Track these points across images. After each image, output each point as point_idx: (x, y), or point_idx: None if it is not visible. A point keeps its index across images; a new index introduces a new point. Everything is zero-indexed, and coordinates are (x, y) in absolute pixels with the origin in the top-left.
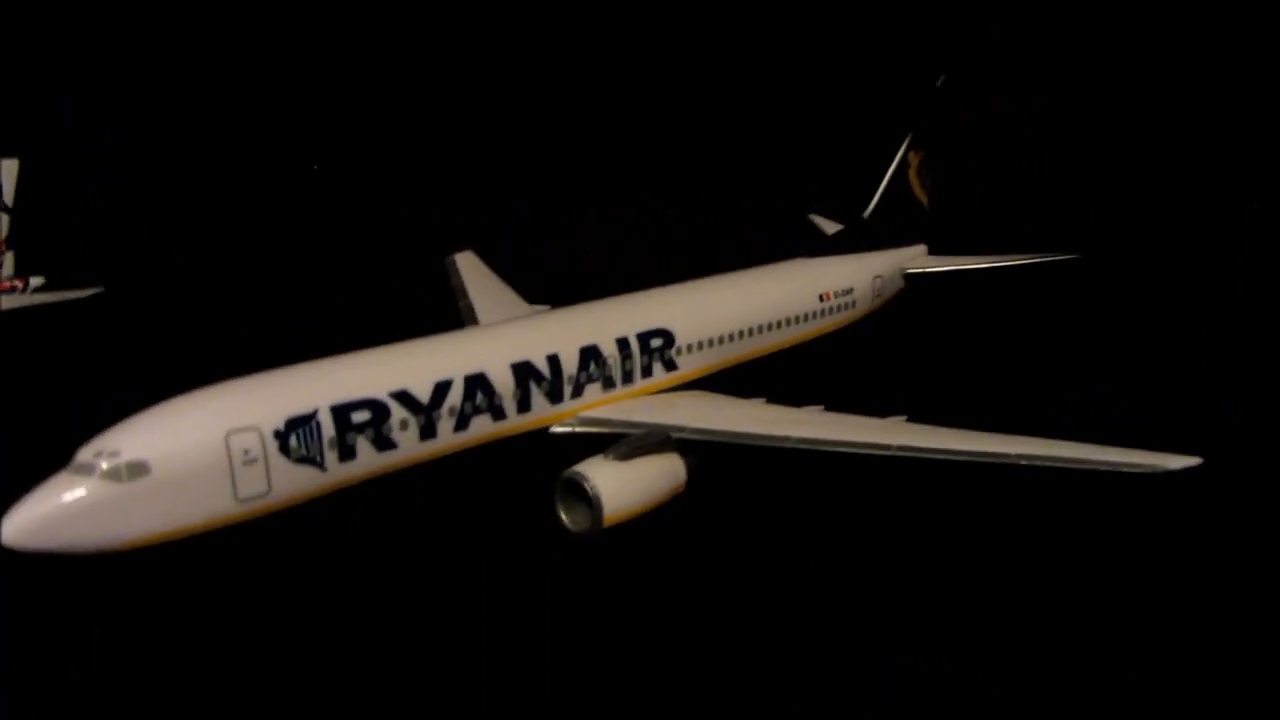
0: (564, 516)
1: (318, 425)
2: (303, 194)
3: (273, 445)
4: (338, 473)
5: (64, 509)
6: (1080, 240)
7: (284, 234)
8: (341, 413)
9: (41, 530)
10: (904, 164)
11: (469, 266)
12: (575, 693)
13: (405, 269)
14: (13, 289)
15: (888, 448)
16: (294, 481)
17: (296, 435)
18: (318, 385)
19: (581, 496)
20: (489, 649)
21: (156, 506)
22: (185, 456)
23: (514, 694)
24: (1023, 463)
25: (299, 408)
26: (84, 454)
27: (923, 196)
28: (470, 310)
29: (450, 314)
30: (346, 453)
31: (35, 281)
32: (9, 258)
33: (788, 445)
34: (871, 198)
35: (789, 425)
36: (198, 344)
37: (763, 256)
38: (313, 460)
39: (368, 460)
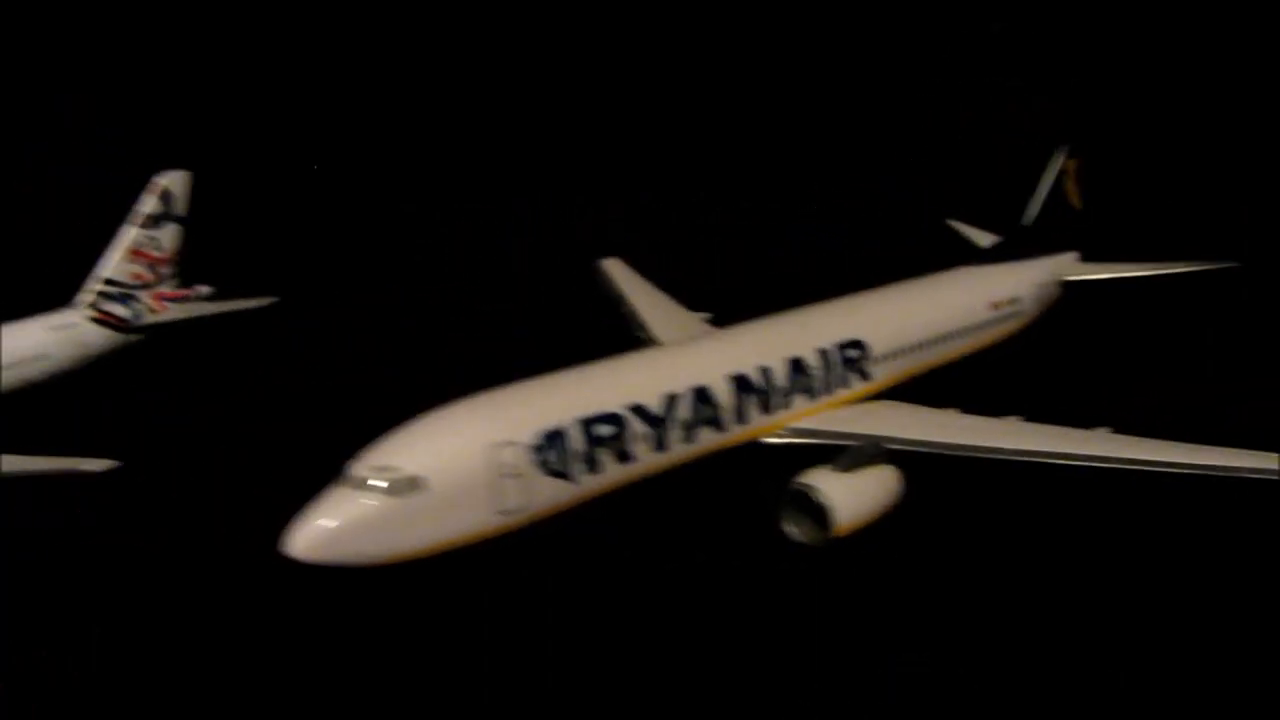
0: (790, 527)
1: (568, 438)
2: (444, 200)
3: (531, 459)
4: (585, 485)
5: (348, 523)
6: (1235, 247)
7: (433, 240)
8: (588, 426)
9: (329, 544)
10: (1060, 170)
11: (619, 273)
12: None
13: (544, 274)
14: (184, 298)
15: (1121, 461)
16: (548, 494)
17: (551, 449)
18: (562, 399)
19: (806, 507)
20: (718, 655)
21: (430, 520)
22: (456, 471)
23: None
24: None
25: (550, 421)
26: (359, 469)
27: (1077, 203)
28: (635, 316)
29: (599, 318)
30: (592, 465)
31: (203, 290)
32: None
33: (1012, 458)
34: (1022, 204)
35: (1001, 436)
36: (367, 352)
37: (905, 262)
38: (563, 473)
39: (610, 473)
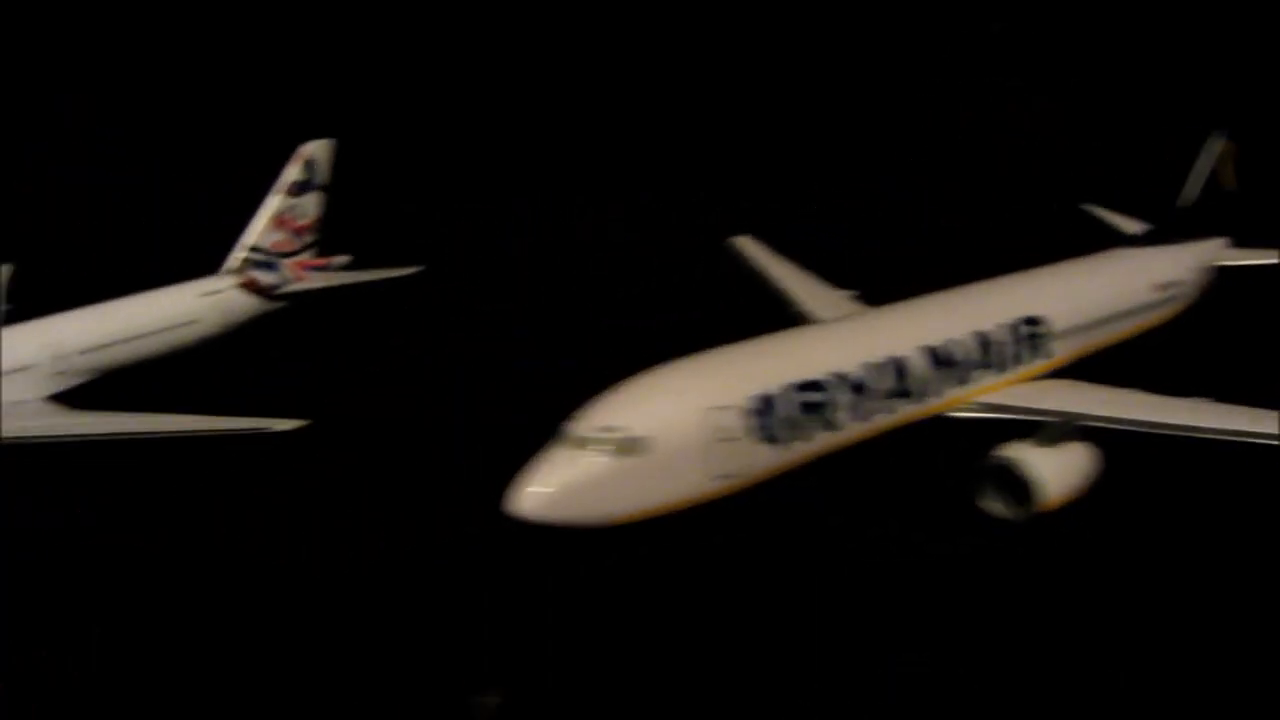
0: (989, 502)
1: (779, 404)
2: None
3: (745, 423)
4: (792, 451)
5: (574, 483)
6: None
7: (567, 219)
8: (798, 391)
9: (556, 503)
10: (1213, 155)
11: (753, 251)
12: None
13: (672, 250)
14: (324, 266)
15: None
16: (759, 459)
17: (763, 414)
18: (770, 364)
19: (1005, 482)
20: (923, 623)
21: (650, 482)
22: (677, 433)
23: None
24: None
25: (762, 386)
26: (581, 428)
27: (1232, 187)
28: (783, 293)
29: (736, 293)
30: (800, 432)
31: (341, 259)
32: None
33: (1224, 437)
34: (1175, 189)
35: (1200, 416)
36: (503, 323)
37: (1040, 247)
38: (774, 438)
39: (816, 440)
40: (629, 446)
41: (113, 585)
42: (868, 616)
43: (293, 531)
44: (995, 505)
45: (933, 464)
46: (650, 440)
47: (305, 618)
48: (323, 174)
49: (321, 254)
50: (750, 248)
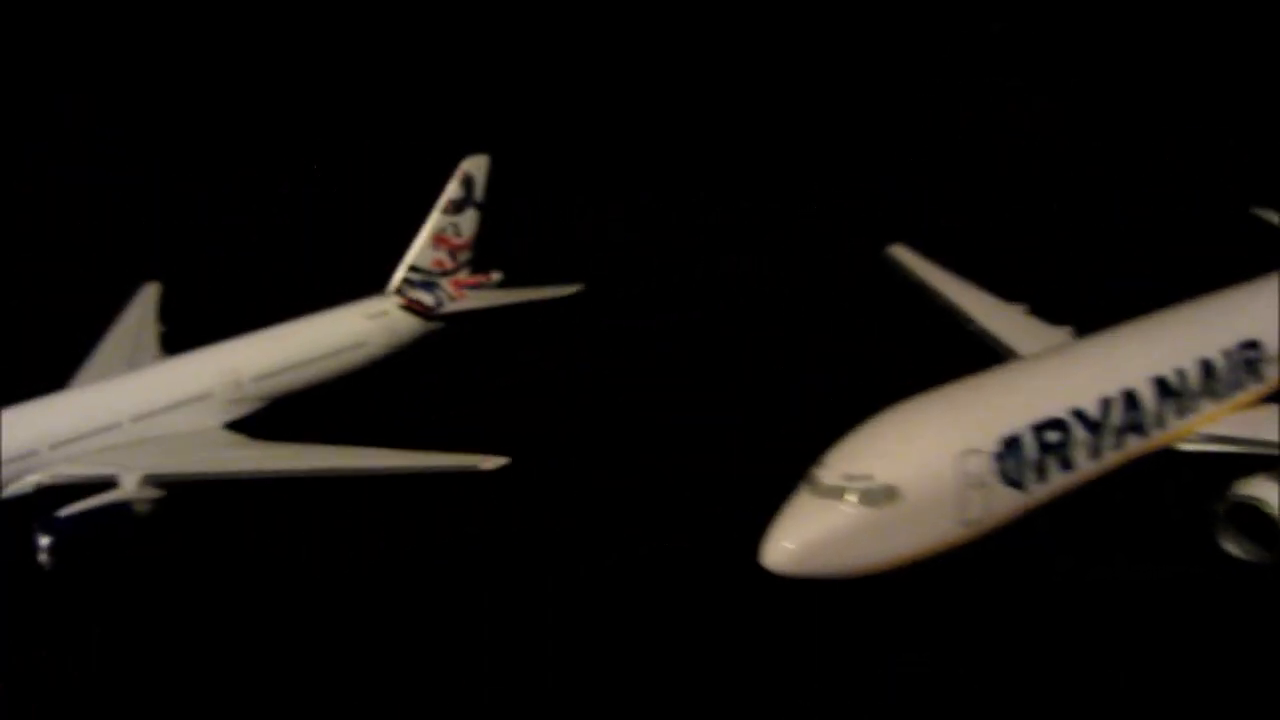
0: (1231, 544)
1: (1024, 445)
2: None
3: (993, 467)
4: (1033, 494)
5: (823, 535)
6: None
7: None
8: (1039, 432)
9: (806, 557)
10: None
11: (912, 260)
12: None
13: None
14: (479, 285)
15: None
16: (1003, 504)
17: (1009, 456)
18: (1010, 402)
19: (1247, 521)
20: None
21: (899, 531)
22: (929, 480)
23: None
24: None
25: (1007, 428)
26: (827, 475)
27: None
28: (955, 308)
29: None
30: (1040, 474)
31: (495, 277)
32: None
33: None
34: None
35: None
36: (660, 343)
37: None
38: (1018, 482)
39: (1054, 481)
40: (879, 496)
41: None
42: (1115, 661)
43: (507, 567)
44: (1239, 546)
45: (1159, 500)
46: (900, 489)
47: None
48: (479, 190)
49: (474, 271)
50: (907, 257)
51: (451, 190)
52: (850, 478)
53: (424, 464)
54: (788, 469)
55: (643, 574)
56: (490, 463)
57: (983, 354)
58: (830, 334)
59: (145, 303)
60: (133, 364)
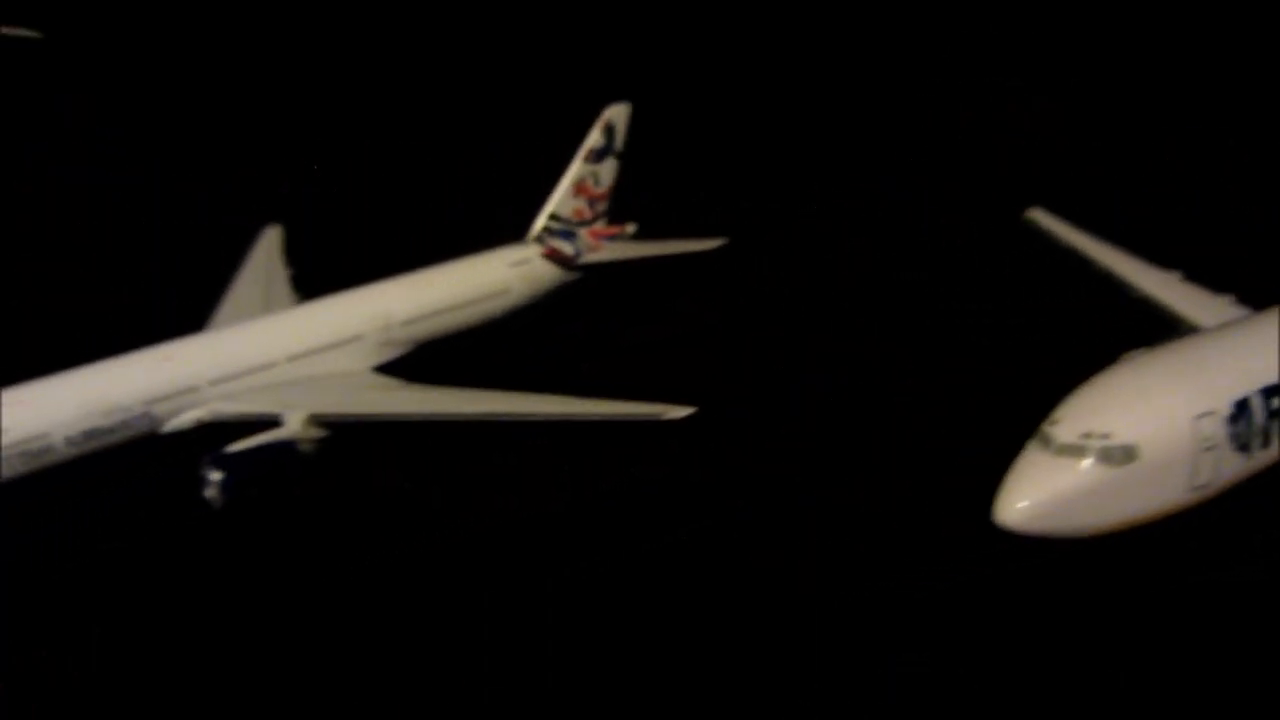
0: None
1: (1253, 410)
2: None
3: (1225, 431)
4: (1255, 460)
5: (1061, 494)
6: None
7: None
8: (1268, 397)
9: (1042, 515)
10: None
11: (1053, 225)
12: None
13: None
14: (615, 236)
15: None
16: (1230, 469)
17: (1240, 420)
18: (1239, 365)
19: None
20: None
21: (1132, 492)
22: (1167, 441)
23: None
24: None
25: (1238, 391)
26: (1062, 433)
27: None
28: (1112, 274)
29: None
30: (1265, 439)
31: (629, 229)
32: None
33: None
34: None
35: None
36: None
37: None
38: (1245, 446)
39: (1273, 449)
40: (1117, 455)
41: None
42: None
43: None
44: None
45: None
46: (1140, 448)
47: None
48: (620, 139)
49: (611, 222)
50: (1048, 221)
51: (594, 138)
52: (1089, 436)
53: (606, 412)
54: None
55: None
56: (676, 412)
57: (1140, 320)
58: (969, 294)
59: (269, 246)
60: (268, 306)
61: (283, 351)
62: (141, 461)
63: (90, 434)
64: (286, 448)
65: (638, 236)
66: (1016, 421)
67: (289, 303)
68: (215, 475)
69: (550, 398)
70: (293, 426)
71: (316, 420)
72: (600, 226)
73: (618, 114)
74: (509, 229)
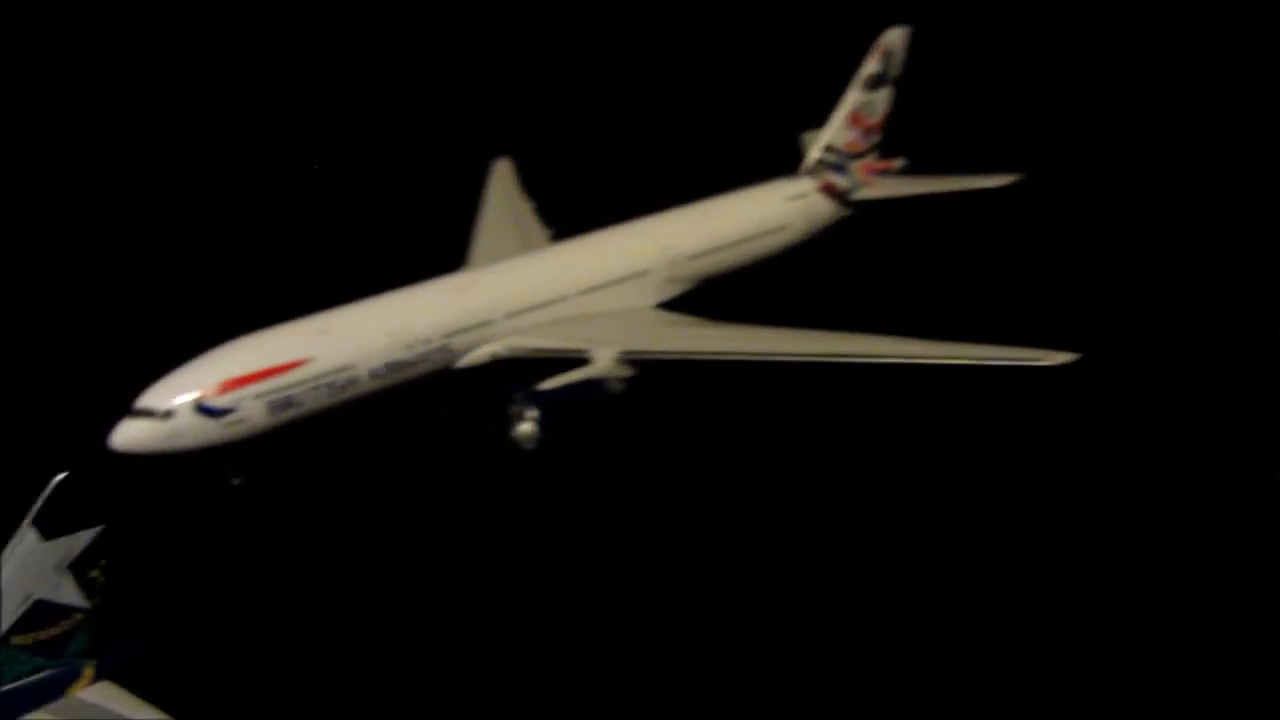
0: None
1: None
2: None
3: None
4: None
5: None
6: None
7: None
8: None
9: None
10: None
11: None
12: None
13: None
14: (886, 170)
15: None
16: None
17: None
18: None
19: None
20: None
21: None
22: None
23: None
24: None
25: None
26: None
27: None
28: None
29: None
30: None
31: (897, 164)
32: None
33: None
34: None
35: None
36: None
37: None
38: None
39: None
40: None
41: None
42: None
43: None
44: None
45: None
46: None
47: None
48: (897, 66)
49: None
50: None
51: (871, 65)
52: None
53: (978, 355)
54: None
55: None
56: (1056, 358)
57: None
58: None
59: (504, 180)
60: (523, 239)
61: (574, 284)
62: (432, 398)
63: (393, 366)
64: (596, 385)
65: (905, 172)
66: None
67: (541, 236)
68: (530, 412)
69: (899, 340)
70: (603, 364)
71: (625, 358)
72: (871, 160)
73: (895, 39)
74: (766, 161)
